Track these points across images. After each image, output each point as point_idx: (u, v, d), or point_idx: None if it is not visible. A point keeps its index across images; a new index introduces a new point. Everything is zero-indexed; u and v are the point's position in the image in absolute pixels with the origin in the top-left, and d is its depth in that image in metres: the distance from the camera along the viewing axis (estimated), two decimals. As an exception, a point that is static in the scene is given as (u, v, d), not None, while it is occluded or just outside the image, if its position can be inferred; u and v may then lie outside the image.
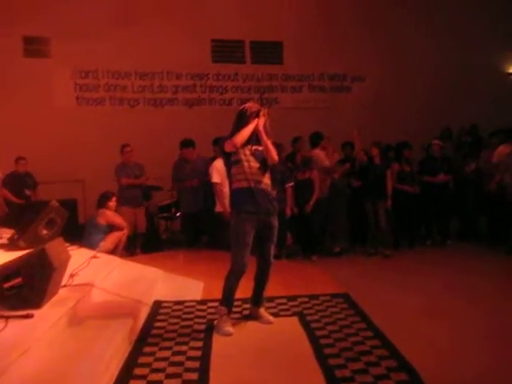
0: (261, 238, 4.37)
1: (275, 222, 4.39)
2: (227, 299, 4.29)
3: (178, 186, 8.58)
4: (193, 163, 8.33)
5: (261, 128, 4.24)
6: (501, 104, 10.89)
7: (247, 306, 4.65)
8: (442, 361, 3.65)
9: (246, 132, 4.20)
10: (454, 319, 4.59)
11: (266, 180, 4.34)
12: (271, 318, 4.48)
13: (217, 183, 7.14)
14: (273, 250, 4.48)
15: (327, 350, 3.77)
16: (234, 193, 4.36)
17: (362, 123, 10.05)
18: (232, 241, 4.27)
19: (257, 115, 4.25)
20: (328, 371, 3.42)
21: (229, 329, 4.18)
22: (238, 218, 4.25)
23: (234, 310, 4.50)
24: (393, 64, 11.21)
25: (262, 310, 4.51)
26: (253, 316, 4.51)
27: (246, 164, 4.24)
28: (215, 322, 4.31)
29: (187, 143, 8.38)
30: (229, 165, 4.35)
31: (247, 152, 4.26)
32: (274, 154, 4.28)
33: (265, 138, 4.25)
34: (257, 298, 4.53)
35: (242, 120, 4.28)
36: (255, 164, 4.26)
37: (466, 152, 9.04)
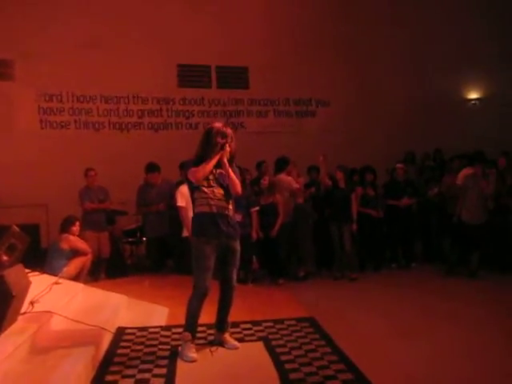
0: (223, 262, 4.33)
1: (237, 246, 4.36)
2: (191, 324, 4.24)
3: (143, 211, 8.50)
4: (158, 187, 8.27)
5: (225, 160, 4.24)
6: (462, 129, 11.20)
7: (212, 331, 4.60)
8: (408, 382, 3.67)
9: (209, 167, 4.19)
10: (419, 340, 4.63)
11: (230, 206, 4.33)
12: (237, 343, 4.43)
13: (182, 207, 7.09)
14: (235, 274, 4.43)
15: (292, 375, 3.75)
16: (195, 217, 4.35)
17: (328, 148, 10.23)
18: (193, 264, 4.24)
19: (222, 148, 4.23)
20: (293, 397, 3.40)
21: (193, 355, 4.12)
22: (198, 242, 4.23)
23: (199, 335, 4.46)
24: (357, 89, 11.44)
25: (226, 336, 4.46)
26: (218, 342, 4.46)
27: (208, 190, 4.23)
28: (179, 348, 4.25)
29: (152, 168, 8.32)
30: (192, 189, 4.35)
31: (210, 177, 4.25)
32: (237, 186, 4.29)
33: (229, 170, 4.24)
34: (221, 324, 4.49)
35: (208, 142, 4.26)
36: (219, 190, 4.25)
37: (429, 176, 9.21)
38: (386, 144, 10.84)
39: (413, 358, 4.20)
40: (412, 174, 9.46)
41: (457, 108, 11.95)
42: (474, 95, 12.33)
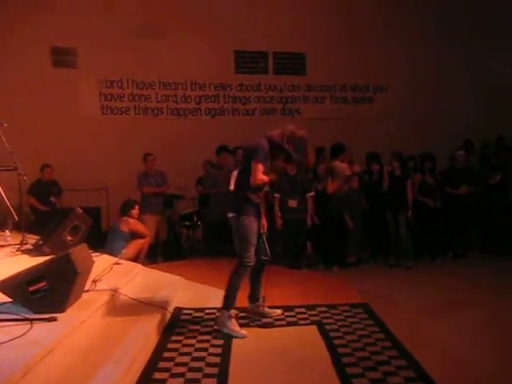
0: None
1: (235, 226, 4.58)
2: (234, 300, 4.47)
3: (205, 191, 8.60)
4: (227, 170, 8.07)
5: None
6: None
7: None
8: (461, 373, 3.64)
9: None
10: (474, 332, 4.55)
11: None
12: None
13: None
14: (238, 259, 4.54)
15: (345, 359, 3.79)
16: None
17: (384, 134, 10.14)
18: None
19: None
20: (346, 380, 3.44)
21: (244, 332, 4.34)
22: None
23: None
24: (415, 74, 11.17)
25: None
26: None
27: None
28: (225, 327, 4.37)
29: (222, 148, 8.46)
30: None
31: None
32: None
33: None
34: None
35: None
36: None
37: (494, 164, 8.95)
38: (446, 131, 10.57)
39: (465, 348, 4.14)
40: (472, 162, 9.20)
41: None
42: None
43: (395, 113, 11.03)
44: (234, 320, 4.37)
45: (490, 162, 9.12)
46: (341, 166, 8.08)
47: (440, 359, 3.84)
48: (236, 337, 4.25)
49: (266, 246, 4.76)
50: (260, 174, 4.39)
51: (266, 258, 4.76)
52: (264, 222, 4.73)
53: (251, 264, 4.46)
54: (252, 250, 4.46)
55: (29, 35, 9.53)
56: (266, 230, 4.75)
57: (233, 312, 4.40)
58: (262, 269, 4.79)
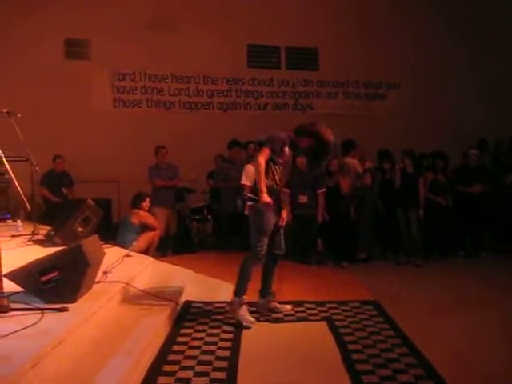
0: None
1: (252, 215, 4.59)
2: (246, 286, 4.55)
3: (217, 185, 8.59)
4: (239, 165, 8.04)
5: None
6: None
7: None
8: (470, 372, 3.61)
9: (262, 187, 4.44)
10: (484, 332, 4.52)
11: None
12: None
13: (246, 185, 7.07)
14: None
15: (355, 356, 3.77)
16: None
17: (397, 131, 10.08)
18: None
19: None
20: (355, 377, 3.42)
21: (252, 319, 4.44)
22: None
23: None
24: (428, 72, 11.12)
25: None
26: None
27: None
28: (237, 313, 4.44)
29: (234, 143, 8.44)
30: None
31: None
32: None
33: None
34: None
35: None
36: None
37: (507, 162, 8.86)
38: (458, 129, 10.50)
39: (476, 346, 4.10)
40: (486, 161, 9.11)
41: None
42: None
43: (407, 110, 10.99)
44: (244, 306, 4.43)
45: (504, 161, 9.02)
46: (352, 162, 8.06)
47: (450, 358, 3.81)
48: (244, 324, 4.32)
49: (282, 241, 4.75)
50: (262, 157, 4.44)
51: (280, 253, 4.76)
52: (284, 214, 4.73)
53: (263, 253, 4.47)
54: (265, 240, 4.47)
55: (42, 26, 9.58)
56: (284, 223, 4.73)
57: (244, 298, 4.45)
58: (275, 263, 4.79)
